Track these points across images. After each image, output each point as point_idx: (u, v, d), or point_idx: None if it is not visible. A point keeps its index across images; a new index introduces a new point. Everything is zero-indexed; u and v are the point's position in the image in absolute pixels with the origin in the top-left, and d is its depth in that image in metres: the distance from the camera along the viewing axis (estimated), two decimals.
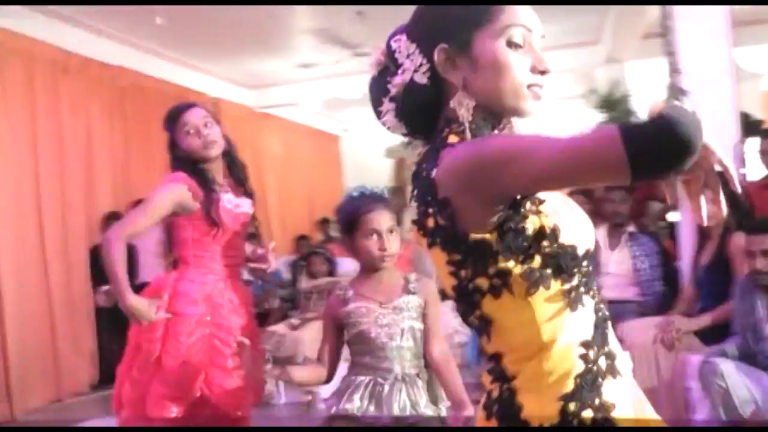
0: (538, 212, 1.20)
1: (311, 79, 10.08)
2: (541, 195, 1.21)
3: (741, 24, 6.57)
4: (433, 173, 1.22)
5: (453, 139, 1.27)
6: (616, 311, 4.31)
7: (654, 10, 6.69)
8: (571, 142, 1.09)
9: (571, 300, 1.23)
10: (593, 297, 1.27)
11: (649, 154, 1.01)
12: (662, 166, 1.02)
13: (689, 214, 4.16)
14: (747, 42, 8.05)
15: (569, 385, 1.21)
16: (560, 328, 1.23)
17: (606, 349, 1.26)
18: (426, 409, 2.40)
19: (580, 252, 1.23)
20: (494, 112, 1.30)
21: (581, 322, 1.25)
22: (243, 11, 6.98)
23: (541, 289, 1.20)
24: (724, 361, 3.35)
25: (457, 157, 1.20)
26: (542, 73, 1.28)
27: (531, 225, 1.19)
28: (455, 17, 1.28)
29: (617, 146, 1.01)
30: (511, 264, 1.19)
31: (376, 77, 1.40)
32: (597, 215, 5.02)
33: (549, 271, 1.20)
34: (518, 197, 1.18)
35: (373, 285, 2.52)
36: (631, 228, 4.84)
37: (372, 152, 12.57)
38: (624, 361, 1.31)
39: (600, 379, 1.23)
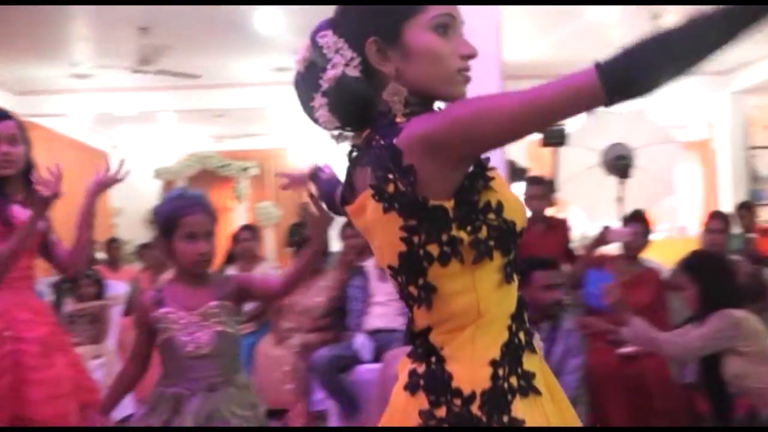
0: (488, 187, 1.31)
1: (84, 91, 9.67)
2: (490, 173, 1.33)
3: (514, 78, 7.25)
4: (395, 141, 1.28)
5: (400, 118, 1.34)
6: (385, 340, 4.66)
7: None
8: (551, 91, 1.20)
9: (506, 274, 1.33)
10: (518, 278, 1.37)
11: (620, 80, 1.17)
12: (632, 92, 1.18)
13: None
14: None
15: (497, 353, 1.30)
16: (495, 299, 1.33)
17: (523, 324, 1.37)
18: (236, 418, 2.37)
19: (518, 228, 1.33)
20: (427, 99, 1.37)
21: (511, 295, 1.36)
22: (19, 11, 6.58)
23: (485, 260, 1.29)
24: None
25: (432, 123, 1.27)
26: (469, 57, 1.36)
27: (482, 198, 1.30)
28: (384, 10, 1.34)
29: (592, 77, 1.17)
30: (462, 233, 1.27)
31: (303, 74, 1.43)
32: (367, 249, 5.31)
33: (492, 243, 1.29)
34: (471, 170, 1.29)
35: (186, 290, 2.47)
36: None
37: (140, 172, 12.24)
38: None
39: (520, 351, 1.34)
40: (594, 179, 5.06)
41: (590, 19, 7.27)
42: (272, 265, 7.52)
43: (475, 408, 1.27)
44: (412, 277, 1.33)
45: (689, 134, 13.28)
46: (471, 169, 1.31)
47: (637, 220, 4.68)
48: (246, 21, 6.76)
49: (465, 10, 4.72)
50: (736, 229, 6.15)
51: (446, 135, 1.25)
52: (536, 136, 4.64)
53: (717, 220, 4.86)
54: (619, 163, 4.94)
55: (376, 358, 4.56)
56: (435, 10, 1.33)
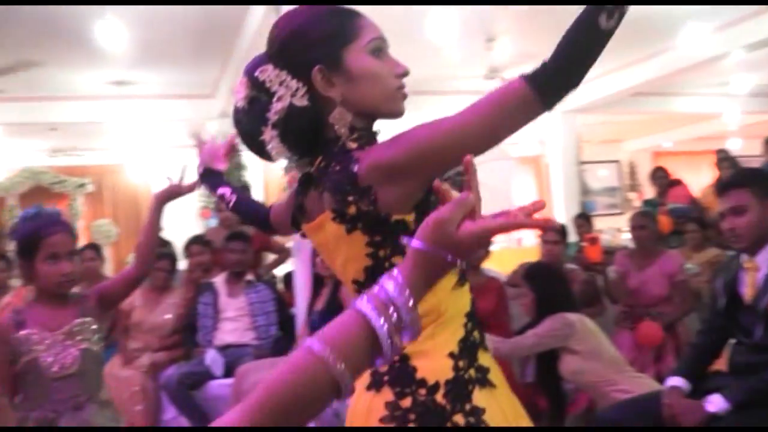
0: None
1: None
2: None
3: None
4: (355, 168, 1.36)
5: (352, 144, 1.43)
6: (235, 354, 4.68)
7: None
8: (486, 102, 1.31)
9: (460, 277, 1.45)
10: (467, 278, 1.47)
11: (549, 85, 1.30)
12: (562, 90, 1.31)
13: (303, 265, 4.64)
14: None
15: (455, 347, 1.41)
16: (452, 300, 1.43)
17: (477, 324, 1.48)
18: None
19: None
20: (370, 121, 1.47)
21: (465, 295, 1.47)
22: None
23: None
24: None
25: (393, 151, 1.34)
26: (404, 75, 1.47)
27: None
28: (324, 39, 1.42)
29: (524, 87, 1.29)
30: None
31: (247, 109, 1.49)
32: (217, 264, 5.31)
33: None
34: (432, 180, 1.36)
35: (48, 310, 2.41)
36: (250, 276, 5.17)
37: None
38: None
39: (476, 347, 1.45)
40: None
41: (429, 39, 7.53)
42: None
43: (439, 397, 1.37)
44: None
45: (523, 150, 13.99)
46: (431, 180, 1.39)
47: None
48: (86, 33, 6.56)
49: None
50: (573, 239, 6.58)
51: (408, 161, 1.33)
52: None
53: (552, 231, 5.16)
54: (458, 179, 5.15)
55: (228, 374, 4.57)
56: (369, 35, 1.44)
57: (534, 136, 13.73)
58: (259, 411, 0.80)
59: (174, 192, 2.59)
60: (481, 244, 1.02)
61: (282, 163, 1.54)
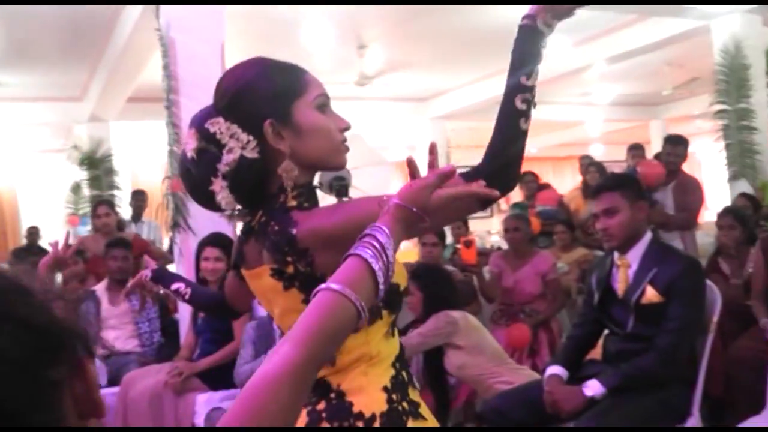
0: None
1: None
2: None
3: None
4: (294, 231, 1.43)
5: (292, 202, 1.49)
6: (119, 362, 4.61)
7: (144, 77, 7.13)
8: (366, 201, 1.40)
9: (391, 327, 1.55)
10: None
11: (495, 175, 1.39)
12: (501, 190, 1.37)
13: (186, 271, 4.61)
14: None
15: (387, 382, 1.50)
16: (383, 346, 1.52)
17: (406, 366, 1.58)
18: None
19: (401, 289, 1.54)
20: (314, 172, 1.55)
21: (395, 343, 1.57)
22: None
23: (377, 319, 1.49)
24: None
25: (330, 221, 1.42)
26: (346, 129, 1.55)
27: None
28: (275, 94, 1.48)
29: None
30: None
31: (196, 160, 1.50)
32: (91, 273, 5.20)
33: (382, 305, 1.48)
34: None
35: None
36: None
37: None
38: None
39: (406, 385, 1.54)
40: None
41: (304, 45, 7.62)
42: None
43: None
44: None
45: (393, 155, 14.24)
46: None
47: None
48: None
49: (189, 35, 4.78)
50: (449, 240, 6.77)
51: (343, 230, 1.38)
52: None
53: (432, 234, 5.30)
54: (336, 184, 5.24)
55: (113, 382, 4.48)
56: (315, 91, 1.51)
57: (404, 141, 14.02)
58: (309, 340, 0.94)
59: (60, 261, 2.62)
60: (454, 208, 1.21)
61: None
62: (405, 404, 1.50)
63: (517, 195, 8.35)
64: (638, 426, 2.79)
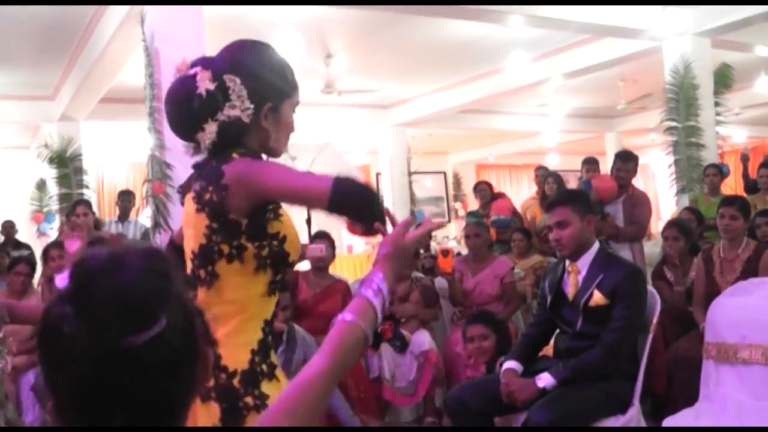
0: (278, 218, 1.74)
1: None
2: (282, 209, 1.75)
3: None
4: (224, 167, 1.68)
5: (236, 155, 1.72)
6: None
7: (117, 79, 7.31)
8: (305, 177, 1.67)
9: (271, 288, 1.77)
10: (278, 293, 1.80)
11: (342, 203, 1.62)
12: (346, 212, 1.65)
13: None
14: None
15: (255, 344, 1.74)
16: (258, 304, 1.76)
17: (273, 331, 1.82)
18: None
19: (291, 259, 1.79)
20: (264, 151, 1.83)
21: (270, 306, 1.80)
22: None
23: (261, 272, 1.73)
24: None
25: (249, 167, 1.69)
26: (293, 131, 1.86)
27: (272, 226, 1.72)
28: (280, 86, 1.80)
29: (326, 189, 1.60)
30: (249, 245, 1.70)
31: (203, 99, 1.73)
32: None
33: (269, 261, 1.73)
34: (269, 204, 1.72)
35: None
36: None
37: None
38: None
39: (269, 348, 1.78)
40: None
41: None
42: None
43: (235, 382, 1.68)
44: (204, 263, 1.73)
45: (353, 159, 14.47)
46: (269, 204, 1.73)
47: (324, 238, 5.23)
48: None
49: (171, 46, 4.99)
50: None
51: (254, 183, 1.67)
52: None
53: None
54: None
55: None
56: (297, 98, 1.85)
57: (364, 146, 14.24)
58: (334, 354, 1.23)
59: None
60: (420, 243, 1.48)
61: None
62: (264, 366, 1.74)
63: (473, 203, 8.65)
64: (586, 413, 3.13)
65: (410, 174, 12.12)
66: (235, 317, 1.72)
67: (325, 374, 1.19)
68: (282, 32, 7.16)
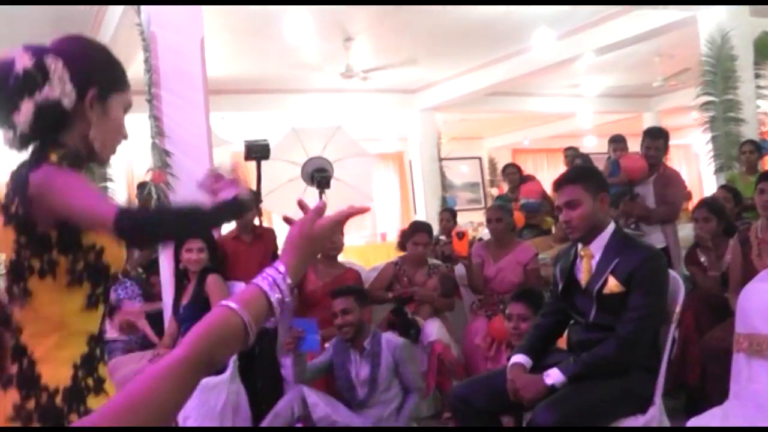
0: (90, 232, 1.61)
1: None
2: None
3: (217, 93, 7.36)
4: (30, 175, 1.59)
5: (53, 157, 1.62)
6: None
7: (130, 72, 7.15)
8: (95, 200, 1.58)
9: (91, 301, 1.68)
10: (104, 304, 1.73)
11: (126, 232, 1.54)
12: (132, 243, 1.68)
13: (168, 259, 4.65)
14: (222, 109, 9.00)
15: (78, 359, 1.65)
16: (78, 318, 1.66)
17: (101, 343, 1.74)
18: None
19: (112, 272, 1.71)
20: (88, 153, 1.70)
21: (94, 319, 1.71)
22: None
23: (76, 285, 1.64)
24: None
25: (48, 179, 1.58)
26: (125, 138, 1.77)
27: (87, 237, 1.63)
28: (109, 74, 1.71)
29: (111, 218, 1.51)
30: (62, 259, 1.61)
31: (19, 77, 1.61)
32: None
33: (86, 275, 1.64)
34: None
35: None
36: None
37: None
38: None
39: (96, 362, 1.70)
40: (296, 190, 5.35)
41: (287, 39, 7.62)
42: None
43: (58, 400, 1.59)
44: (16, 279, 1.64)
45: (385, 147, 14.24)
46: None
47: None
48: None
49: (169, 30, 4.80)
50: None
51: (48, 200, 1.57)
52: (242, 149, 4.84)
53: (423, 233, 5.26)
54: (318, 175, 5.28)
55: None
56: (129, 96, 1.76)
57: (395, 133, 14.01)
58: (194, 343, 1.07)
59: None
60: (331, 231, 1.30)
61: None
62: (90, 381, 1.65)
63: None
64: (599, 413, 2.83)
65: (442, 160, 11.83)
66: (54, 334, 1.64)
67: (182, 364, 1.04)
68: (293, 16, 6.92)
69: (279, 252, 5.39)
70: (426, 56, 9.47)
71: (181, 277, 4.66)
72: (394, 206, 15.70)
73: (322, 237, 1.29)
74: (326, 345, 4.17)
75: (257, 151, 4.88)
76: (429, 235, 5.36)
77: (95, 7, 6.42)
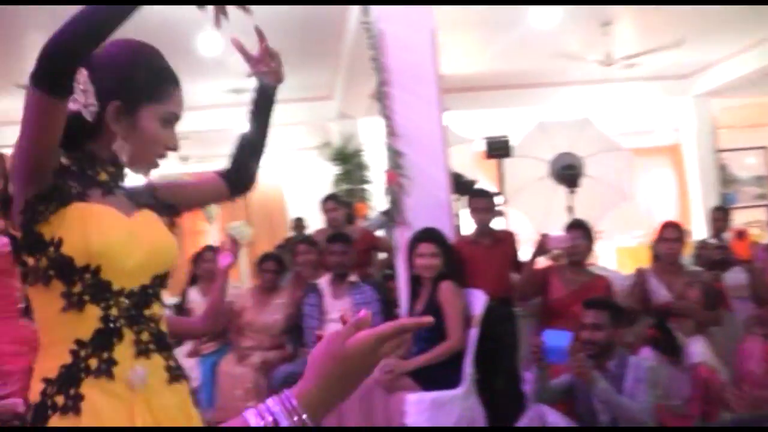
0: (47, 220, 1.46)
1: None
2: (57, 205, 1.47)
3: (451, 91, 7.19)
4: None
5: (103, 176, 1.58)
6: None
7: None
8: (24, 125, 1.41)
9: (69, 302, 1.47)
10: (105, 309, 1.49)
11: (44, 56, 1.33)
12: (50, 74, 1.35)
13: (403, 264, 4.52)
14: (457, 107, 8.82)
15: (55, 373, 1.45)
16: (57, 324, 1.48)
17: (105, 355, 1.48)
18: None
19: (78, 264, 1.46)
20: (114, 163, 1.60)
21: (78, 324, 1.48)
22: None
23: (47, 285, 1.47)
24: None
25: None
26: (173, 150, 1.63)
27: (46, 231, 1.46)
28: (135, 85, 1.56)
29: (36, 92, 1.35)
30: (30, 259, 1.48)
31: None
32: (321, 266, 5.31)
33: (52, 272, 1.46)
34: (37, 208, 1.45)
35: None
36: (354, 278, 5.09)
37: None
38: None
39: (83, 375, 1.45)
40: (543, 189, 5.04)
41: (532, 26, 7.19)
42: (237, 284, 7.40)
43: (29, 418, 1.45)
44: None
45: (657, 139, 13.31)
46: (38, 207, 1.46)
47: (578, 227, 4.66)
48: (192, 45, 6.74)
49: (398, 25, 4.64)
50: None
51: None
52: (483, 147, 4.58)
53: (671, 228, 4.78)
54: (567, 173, 4.92)
55: None
56: (170, 108, 1.61)
57: (668, 124, 13.02)
58: None
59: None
60: (371, 350, 0.98)
61: None
62: (60, 398, 1.43)
63: None
64: None
65: (720, 151, 10.86)
66: (42, 341, 1.52)
67: None
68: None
69: (518, 258, 5.11)
70: (697, 35, 8.49)
71: (414, 283, 4.51)
72: (671, 204, 14.65)
73: (357, 357, 0.98)
74: None
75: (497, 149, 4.63)
76: (677, 230, 4.77)
77: (337, 10, 6.49)
